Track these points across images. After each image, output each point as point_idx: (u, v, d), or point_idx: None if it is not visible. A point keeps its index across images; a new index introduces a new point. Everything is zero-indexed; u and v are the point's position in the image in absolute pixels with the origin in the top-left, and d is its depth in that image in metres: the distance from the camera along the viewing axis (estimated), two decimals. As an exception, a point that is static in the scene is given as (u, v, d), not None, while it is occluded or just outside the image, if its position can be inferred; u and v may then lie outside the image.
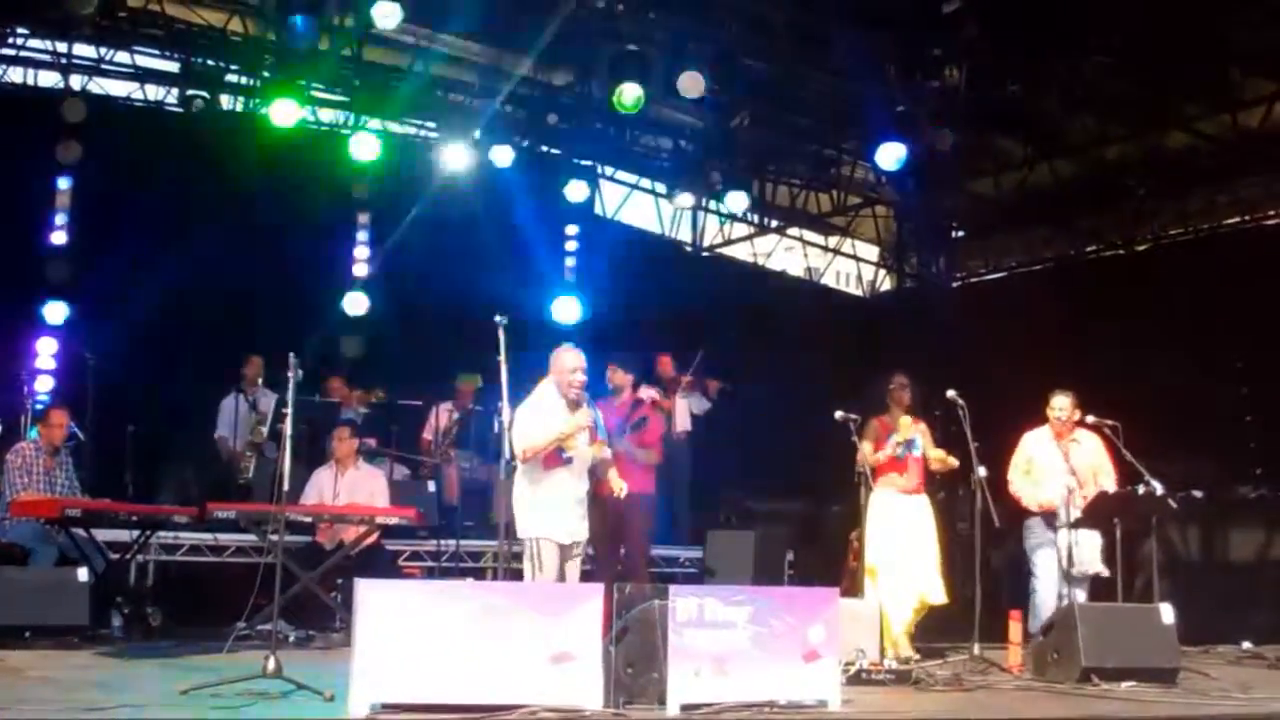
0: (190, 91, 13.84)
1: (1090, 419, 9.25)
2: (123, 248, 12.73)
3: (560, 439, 7.69)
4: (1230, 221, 15.43)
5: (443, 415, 12.62)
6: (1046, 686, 7.84)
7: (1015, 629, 8.75)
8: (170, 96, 14.73)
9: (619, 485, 8.14)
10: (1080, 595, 9.07)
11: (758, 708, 6.09)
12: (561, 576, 7.81)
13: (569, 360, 7.96)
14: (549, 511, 7.75)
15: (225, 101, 14.68)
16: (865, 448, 9.09)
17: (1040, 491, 9.33)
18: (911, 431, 9.35)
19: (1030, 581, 9.39)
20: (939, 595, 9.09)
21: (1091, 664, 7.81)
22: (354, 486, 10.51)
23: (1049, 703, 7.31)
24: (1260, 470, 13.36)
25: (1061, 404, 9.38)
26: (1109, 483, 9.25)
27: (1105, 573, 9.04)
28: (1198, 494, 11.57)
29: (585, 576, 9.99)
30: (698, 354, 12.40)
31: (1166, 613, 8.23)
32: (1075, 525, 8.98)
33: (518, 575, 8.45)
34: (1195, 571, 11.60)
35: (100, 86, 14.56)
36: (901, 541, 9.11)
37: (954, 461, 9.32)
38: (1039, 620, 8.92)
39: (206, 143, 13.40)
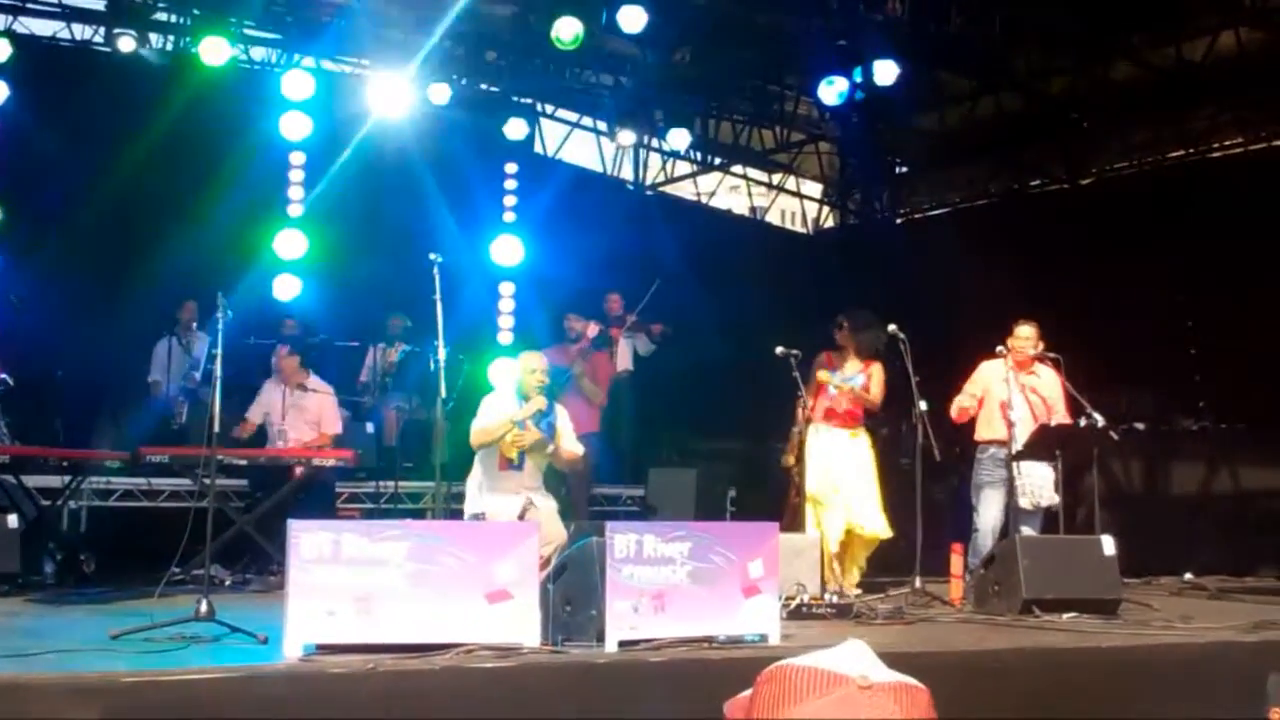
0: (118, 30, 13.50)
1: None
2: (51, 188, 12.43)
3: (508, 427, 8.29)
4: (1175, 154, 15.38)
5: (378, 355, 12.51)
6: (988, 618, 7.84)
7: (956, 562, 8.77)
8: (98, 36, 14.39)
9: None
10: (1031, 531, 9.06)
11: (697, 643, 6.01)
12: None
13: (529, 361, 8.75)
14: (491, 495, 8.36)
15: (154, 40, 14.33)
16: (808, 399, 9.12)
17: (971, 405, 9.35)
18: (855, 370, 9.35)
19: (972, 518, 9.40)
20: (878, 527, 9.10)
21: (1033, 595, 7.82)
22: (303, 406, 10.61)
23: (990, 634, 7.28)
24: (1202, 403, 13.45)
25: (1027, 334, 9.33)
26: (1060, 418, 9.24)
27: (1056, 501, 9.03)
28: (1140, 426, 11.65)
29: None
30: (652, 286, 12.24)
31: (1108, 544, 8.24)
32: (1017, 458, 8.97)
33: (456, 515, 8.39)
34: (1137, 503, 11.69)
35: (25, 26, 14.19)
36: (837, 474, 9.12)
37: (862, 392, 9.37)
38: (978, 560, 8.91)
39: (135, 82, 13.07)
